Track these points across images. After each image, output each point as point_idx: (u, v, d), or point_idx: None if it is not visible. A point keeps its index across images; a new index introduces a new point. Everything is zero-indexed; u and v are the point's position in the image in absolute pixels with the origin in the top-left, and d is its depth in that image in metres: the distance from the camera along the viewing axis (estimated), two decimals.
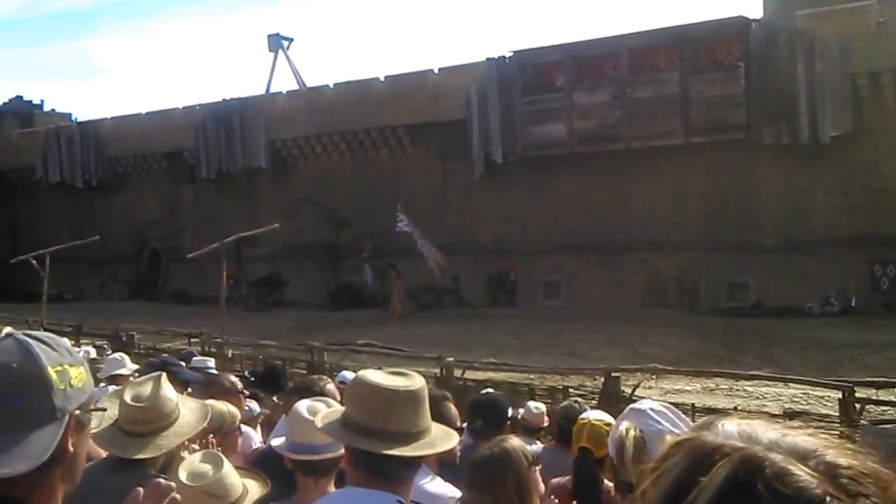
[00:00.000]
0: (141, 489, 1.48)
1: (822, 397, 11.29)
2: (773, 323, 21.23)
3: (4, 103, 46.77)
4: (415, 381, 2.30)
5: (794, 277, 23.85)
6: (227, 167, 35.33)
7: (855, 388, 8.90)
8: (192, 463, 2.78)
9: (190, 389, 5.15)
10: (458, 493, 3.08)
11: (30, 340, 1.38)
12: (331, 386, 4.04)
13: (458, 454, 3.44)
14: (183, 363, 7.47)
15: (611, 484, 3.27)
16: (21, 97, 47.49)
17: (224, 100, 36.08)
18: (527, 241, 28.76)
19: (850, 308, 22.90)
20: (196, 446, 3.13)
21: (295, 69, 39.52)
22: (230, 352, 14.13)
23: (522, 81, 28.46)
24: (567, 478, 3.91)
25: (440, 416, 2.74)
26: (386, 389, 2.22)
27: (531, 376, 12.49)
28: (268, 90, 38.10)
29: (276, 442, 2.99)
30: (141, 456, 2.79)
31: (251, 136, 34.64)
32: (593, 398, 9.64)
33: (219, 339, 14.74)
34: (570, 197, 28.16)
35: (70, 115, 47.28)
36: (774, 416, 8.70)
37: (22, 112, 46.22)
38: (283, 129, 34.05)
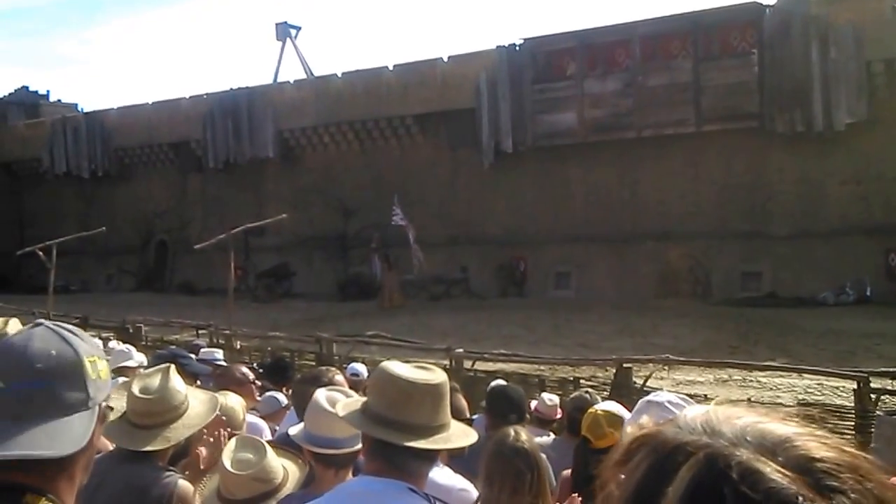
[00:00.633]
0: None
1: (836, 388, 11.22)
2: (786, 313, 21.11)
3: (10, 94, 46.77)
4: (436, 375, 2.32)
5: (808, 267, 23.70)
6: (234, 157, 35.29)
7: (870, 379, 8.77)
8: (232, 451, 2.84)
9: (199, 381, 5.16)
10: (467, 485, 3.11)
11: (62, 329, 1.42)
12: (339, 377, 3.97)
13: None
14: (193, 355, 7.41)
15: None
16: (27, 87, 47.47)
17: (231, 89, 36.00)
18: (537, 230, 28.65)
19: (865, 297, 22.77)
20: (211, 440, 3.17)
21: (303, 58, 39.43)
22: (238, 343, 14.13)
23: (533, 69, 28.31)
24: None
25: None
26: (405, 381, 2.25)
27: (542, 367, 12.44)
28: (276, 79, 38.03)
29: (294, 431, 2.96)
30: (149, 448, 2.82)
31: (259, 126, 34.57)
32: (605, 389, 9.53)
33: (227, 331, 14.70)
34: (581, 186, 28.04)
35: (76, 105, 47.30)
36: (788, 407, 8.61)
37: (28, 102, 46.23)
38: (291, 119, 33.97)
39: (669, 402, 2.37)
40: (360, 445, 2.60)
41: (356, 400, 2.47)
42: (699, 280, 25.84)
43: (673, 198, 26.29)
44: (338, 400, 2.73)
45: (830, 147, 23.75)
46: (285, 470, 2.89)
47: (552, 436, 5.16)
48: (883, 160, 23.19)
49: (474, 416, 4.81)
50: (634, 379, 10.57)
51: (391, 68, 31.80)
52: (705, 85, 25.09)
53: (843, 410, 8.54)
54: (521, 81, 28.28)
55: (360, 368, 8.27)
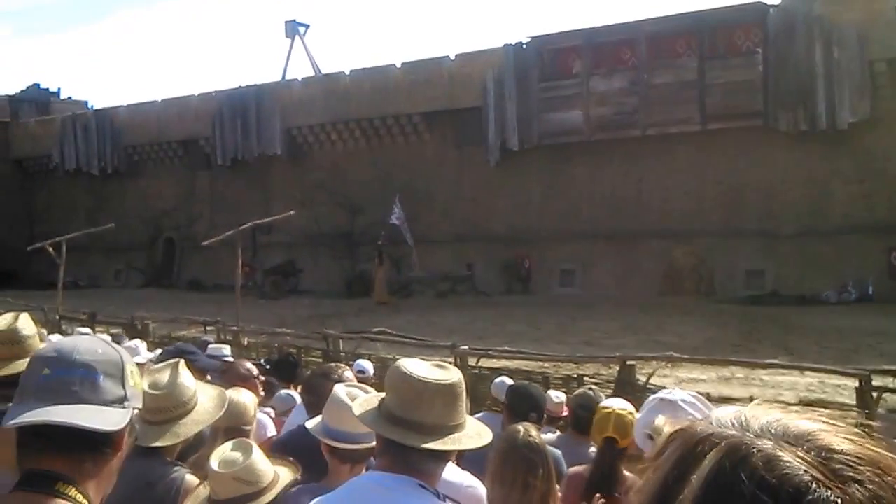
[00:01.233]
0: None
1: (838, 386, 11.24)
2: (789, 311, 21.14)
3: (21, 91, 46.93)
4: (451, 375, 2.28)
5: (812, 265, 23.74)
6: (242, 154, 35.42)
7: (872, 377, 8.83)
8: (224, 451, 2.79)
9: (209, 377, 5.17)
10: (475, 482, 3.06)
11: (107, 337, 1.50)
12: (348, 373, 4.01)
13: None
14: (202, 351, 7.53)
15: (630, 475, 3.24)
16: (38, 85, 47.66)
17: (240, 87, 36.14)
18: (542, 228, 28.72)
19: (868, 296, 22.82)
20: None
21: (311, 56, 39.54)
22: (246, 340, 14.11)
23: (539, 68, 28.39)
24: (583, 466, 3.85)
25: None
26: (418, 380, 2.21)
27: (546, 364, 12.47)
28: (284, 77, 38.09)
29: (311, 424, 2.99)
30: (159, 444, 2.79)
31: (267, 124, 34.69)
32: (609, 386, 9.61)
33: (234, 327, 14.70)
34: (586, 184, 28.09)
35: (86, 102, 47.45)
36: (791, 405, 8.64)
37: (39, 100, 46.40)
38: (298, 117, 34.08)
39: (683, 400, 2.36)
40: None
41: (374, 396, 2.46)
42: (703, 278, 25.88)
43: (677, 196, 26.34)
44: (358, 396, 2.74)
45: (834, 146, 23.80)
46: (276, 474, 2.80)
47: (558, 433, 5.14)
48: (886, 159, 23.26)
49: (478, 414, 4.80)
50: (638, 376, 10.65)
51: (398, 66, 31.88)
52: (710, 84, 25.15)
53: (844, 408, 8.55)
54: (528, 80, 28.35)
55: (367, 366, 8.36)
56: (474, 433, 2.28)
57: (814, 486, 0.71)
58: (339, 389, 2.92)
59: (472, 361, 11.20)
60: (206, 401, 2.94)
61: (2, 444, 2.63)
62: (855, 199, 23.89)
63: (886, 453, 0.75)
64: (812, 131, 23.86)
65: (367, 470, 2.77)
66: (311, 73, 37.68)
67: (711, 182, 25.87)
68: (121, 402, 1.47)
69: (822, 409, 8.29)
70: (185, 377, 2.93)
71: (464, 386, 2.30)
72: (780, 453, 0.73)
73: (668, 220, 26.29)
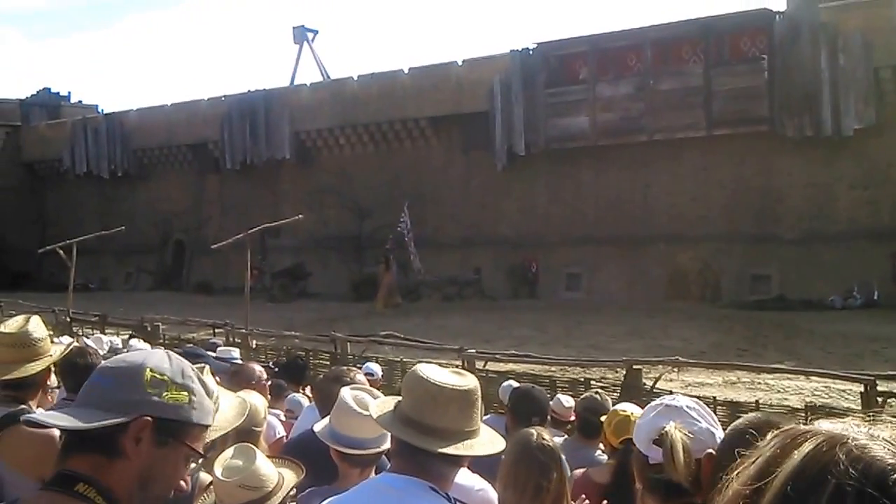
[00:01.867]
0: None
1: (843, 391, 11.24)
2: (795, 316, 21.13)
3: (32, 95, 47.14)
4: (466, 381, 2.30)
5: (817, 270, 23.76)
6: (251, 158, 35.55)
7: (877, 382, 8.87)
8: (226, 458, 2.80)
9: (218, 379, 5.23)
10: (485, 485, 3.06)
11: (158, 349, 1.57)
12: (360, 377, 4.08)
13: None
14: (212, 353, 7.65)
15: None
16: (48, 89, 47.85)
17: (249, 91, 36.24)
18: (549, 233, 28.79)
19: (873, 301, 22.77)
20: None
21: (319, 61, 39.65)
22: (254, 342, 14.09)
23: (546, 73, 28.45)
24: (593, 469, 3.91)
25: None
26: (432, 384, 2.23)
27: (553, 368, 12.54)
28: (292, 82, 38.23)
29: (318, 427, 3.02)
30: None
31: (276, 128, 34.83)
32: (615, 390, 9.67)
33: (243, 330, 14.72)
34: (593, 189, 28.16)
35: (96, 106, 47.62)
36: (796, 410, 8.69)
37: (49, 104, 46.57)
38: (307, 121, 34.21)
39: (688, 406, 2.30)
40: (385, 446, 2.64)
41: (390, 399, 2.48)
42: (709, 283, 25.91)
43: (683, 201, 26.38)
44: (365, 400, 2.78)
45: (839, 152, 23.84)
46: (281, 476, 2.80)
47: (565, 436, 5.17)
48: (891, 165, 23.28)
49: (485, 417, 4.93)
50: (644, 380, 10.73)
51: (406, 71, 31.99)
52: (716, 90, 25.17)
53: (849, 413, 8.66)
54: (534, 85, 28.43)
55: (375, 368, 8.43)
56: (487, 440, 2.30)
57: (893, 476, 0.76)
58: (346, 394, 2.92)
59: (479, 365, 11.25)
60: (226, 407, 2.92)
61: (18, 445, 2.75)
62: (860, 204, 23.92)
63: None
64: (817, 137, 23.88)
65: (375, 472, 2.80)
66: (320, 78, 37.81)
67: (717, 187, 25.91)
68: (122, 406, 1.47)
69: (831, 415, 8.38)
70: (211, 383, 2.98)
71: (479, 393, 2.31)
72: (870, 443, 0.79)
73: (674, 224, 26.34)
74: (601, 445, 4.57)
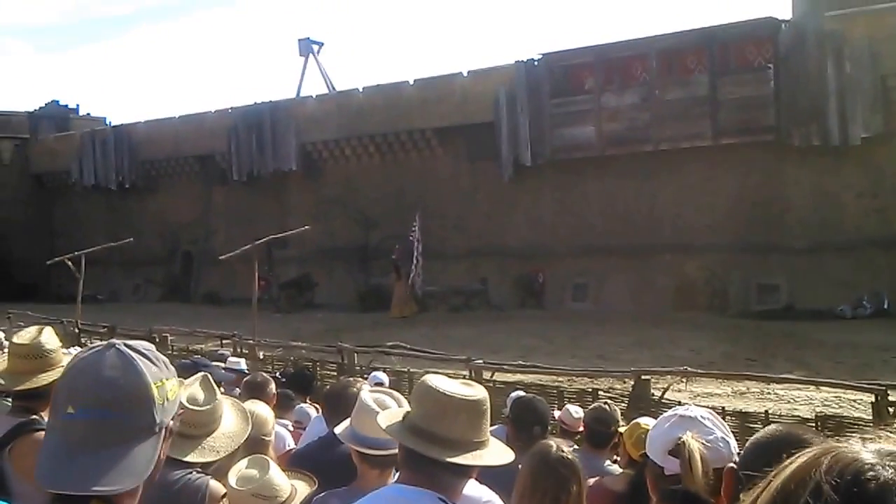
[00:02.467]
0: None
1: (854, 400, 11.23)
2: (803, 326, 21.03)
3: (41, 108, 47.34)
4: (476, 392, 2.30)
5: (825, 280, 23.67)
6: (258, 170, 35.63)
7: (888, 391, 8.83)
8: (240, 468, 2.82)
9: (223, 388, 5.26)
10: (493, 496, 3.00)
11: (132, 354, 1.42)
12: (367, 387, 4.10)
13: None
14: (220, 363, 7.67)
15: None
16: (57, 102, 48.06)
17: (255, 104, 36.32)
18: (555, 243, 28.76)
19: (883, 310, 22.66)
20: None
21: (325, 73, 39.75)
22: (261, 353, 14.18)
23: (551, 84, 28.46)
24: (608, 478, 3.94)
25: None
26: (443, 394, 2.24)
27: (560, 378, 12.51)
28: (298, 94, 38.32)
29: (339, 429, 3.01)
30: (198, 459, 2.79)
31: (282, 139, 34.92)
32: (623, 401, 9.65)
33: (250, 340, 14.78)
34: (599, 199, 28.14)
35: (105, 118, 47.82)
36: (806, 420, 8.65)
37: (58, 116, 46.74)
38: (313, 132, 34.28)
39: (702, 416, 2.31)
40: None
41: (399, 410, 2.49)
42: (716, 292, 25.81)
43: (690, 211, 26.32)
44: (384, 401, 2.79)
45: (846, 160, 23.77)
46: (293, 488, 2.81)
47: (574, 447, 5.07)
48: None
49: (492, 427, 4.89)
50: (652, 391, 10.70)
51: (412, 83, 32.00)
52: (722, 99, 25.13)
53: (860, 423, 8.52)
54: (540, 95, 28.42)
55: (383, 377, 8.45)
56: (496, 451, 2.30)
57: (871, 474, 0.79)
58: (367, 396, 2.94)
59: (486, 375, 11.25)
60: (231, 416, 2.95)
61: (29, 455, 2.75)
62: (868, 213, 23.83)
63: None
64: (824, 146, 23.79)
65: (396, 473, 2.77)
66: (326, 90, 37.92)
67: (724, 196, 25.84)
68: (151, 428, 1.41)
69: (842, 425, 8.30)
70: (218, 393, 2.97)
71: (488, 404, 2.30)
72: (863, 450, 0.81)
73: (681, 234, 26.28)
74: (615, 456, 4.56)
